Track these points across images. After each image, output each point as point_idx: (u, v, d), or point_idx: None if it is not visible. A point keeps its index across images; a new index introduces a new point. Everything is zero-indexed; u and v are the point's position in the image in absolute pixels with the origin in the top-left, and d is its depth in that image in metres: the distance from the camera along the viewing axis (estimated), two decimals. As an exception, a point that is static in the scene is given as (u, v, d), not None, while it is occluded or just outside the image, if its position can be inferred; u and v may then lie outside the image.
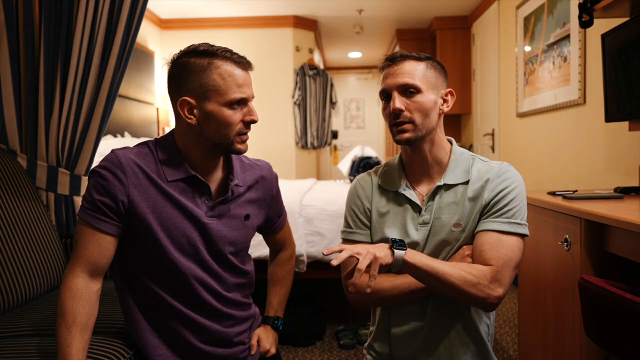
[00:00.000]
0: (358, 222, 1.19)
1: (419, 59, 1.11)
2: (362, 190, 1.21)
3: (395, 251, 0.98)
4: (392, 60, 1.12)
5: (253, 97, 1.13)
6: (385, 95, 1.13)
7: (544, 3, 2.97)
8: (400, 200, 1.16)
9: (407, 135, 1.09)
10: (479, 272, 1.01)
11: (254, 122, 1.12)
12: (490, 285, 1.01)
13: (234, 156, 1.22)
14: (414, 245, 1.11)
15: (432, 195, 1.13)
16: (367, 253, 0.93)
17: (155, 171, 1.11)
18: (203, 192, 1.14)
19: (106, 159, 1.09)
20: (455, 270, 1.01)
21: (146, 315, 1.16)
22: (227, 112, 1.08)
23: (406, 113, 1.08)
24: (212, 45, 1.10)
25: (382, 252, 0.96)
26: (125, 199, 1.07)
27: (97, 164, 1.10)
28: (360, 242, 1.17)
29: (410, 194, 1.14)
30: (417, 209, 1.13)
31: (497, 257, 1.03)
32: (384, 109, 1.14)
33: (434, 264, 1.00)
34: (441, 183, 1.12)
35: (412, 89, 1.08)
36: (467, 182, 1.11)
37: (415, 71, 1.09)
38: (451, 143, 1.19)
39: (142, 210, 1.08)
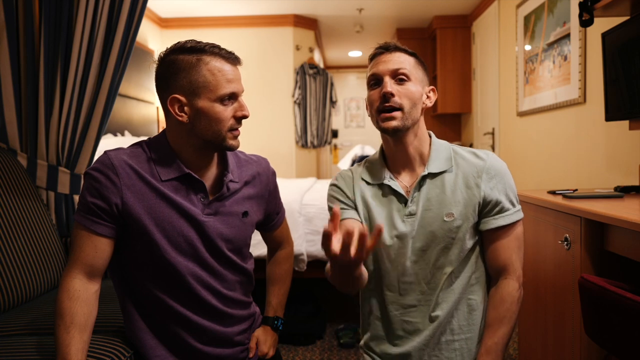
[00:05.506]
0: (342, 204, 1.19)
1: (409, 53, 1.17)
2: (342, 181, 1.23)
3: None
4: (386, 48, 1.16)
5: (243, 92, 1.12)
6: (375, 82, 1.15)
7: (544, 2, 2.96)
8: (385, 191, 1.17)
9: (394, 123, 1.11)
10: (511, 296, 1.10)
11: (245, 117, 1.12)
12: (520, 290, 1.12)
13: (229, 152, 1.21)
14: (402, 237, 1.12)
15: (418, 186, 1.14)
16: None
17: (149, 171, 1.10)
18: (198, 190, 1.14)
19: (98, 160, 1.08)
20: (505, 327, 1.09)
21: (144, 316, 1.15)
22: (219, 108, 1.08)
23: (396, 98, 1.11)
24: (200, 42, 1.09)
25: None
26: (119, 200, 1.06)
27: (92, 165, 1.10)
28: (350, 218, 1.17)
29: (394, 184, 1.15)
30: (402, 200, 1.14)
31: (511, 254, 1.12)
32: (371, 95, 1.16)
33: (498, 344, 1.08)
34: (425, 172, 1.14)
35: (403, 76, 1.13)
36: (451, 171, 1.14)
37: (406, 62, 1.14)
38: (430, 136, 1.22)
39: (137, 211, 1.07)
